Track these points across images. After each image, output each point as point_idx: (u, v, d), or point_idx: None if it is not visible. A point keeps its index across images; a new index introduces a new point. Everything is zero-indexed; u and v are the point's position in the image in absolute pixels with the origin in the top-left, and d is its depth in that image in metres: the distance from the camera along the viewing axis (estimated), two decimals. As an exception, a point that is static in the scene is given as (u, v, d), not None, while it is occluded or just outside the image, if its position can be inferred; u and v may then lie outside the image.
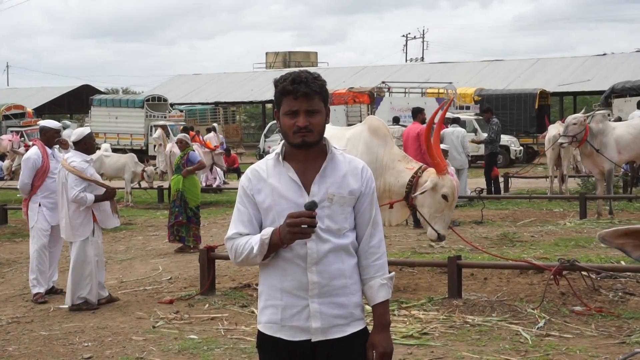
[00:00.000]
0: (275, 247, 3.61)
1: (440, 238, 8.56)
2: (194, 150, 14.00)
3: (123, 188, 21.28)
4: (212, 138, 26.64)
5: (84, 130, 9.59)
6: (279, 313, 3.70)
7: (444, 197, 8.40)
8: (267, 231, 3.61)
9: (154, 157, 31.88)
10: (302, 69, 3.92)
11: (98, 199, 9.28)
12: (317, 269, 3.65)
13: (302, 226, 3.49)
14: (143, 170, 20.95)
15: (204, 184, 24.21)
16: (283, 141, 3.80)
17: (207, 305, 9.18)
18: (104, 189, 9.41)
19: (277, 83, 3.73)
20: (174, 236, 13.34)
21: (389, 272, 3.83)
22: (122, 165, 21.09)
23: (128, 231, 16.18)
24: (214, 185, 24.46)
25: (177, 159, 14.06)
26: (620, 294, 8.80)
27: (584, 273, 8.94)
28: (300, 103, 3.64)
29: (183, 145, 14.02)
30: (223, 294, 9.66)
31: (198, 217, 13.50)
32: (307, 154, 3.72)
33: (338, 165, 3.76)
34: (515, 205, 18.26)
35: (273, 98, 3.81)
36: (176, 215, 13.27)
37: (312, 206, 3.52)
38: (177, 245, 13.44)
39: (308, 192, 3.68)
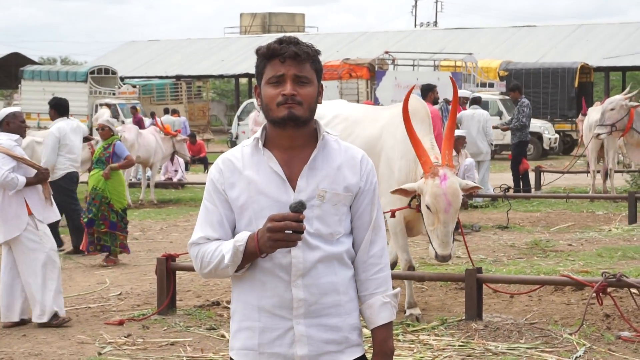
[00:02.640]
0: (251, 256, 3.63)
1: (437, 258, 8.42)
2: (120, 140, 13.77)
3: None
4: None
5: (5, 110, 9.85)
6: (256, 337, 3.72)
7: (427, 207, 8.32)
8: (242, 236, 3.62)
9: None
10: (286, 34, 3.94)
11: (30, 182, 9.42)
12: (304, 283, 3.68)
13: (286, 232, 3.51)
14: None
15: (162, 178, 24.25)
16: (264, 124, 3.82)
17: (165, 327, 9.19)
18: (35, 171, 9.55)
19: (259, 48, 3.77)
20: (94, 246, 13.10)
21: (393, 288, 3.85)
22: None
23: (67, 235, 16.14)
24: (175, 179, 24.48)
25: (98, 149, 13.76)
26: (677, 316, 8.86)
27: (633, 290, 8.98)
28: (288, 67, 3.68)
29: (106, 133, 13.68)
30: (186, 313, 9.67)
31: (126, 223, 13.29)
32: (294, 138, 3.74)
33: (331, 154, 3.79)
34: (549, 206, 18.32)
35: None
36: (90, 220, 12.92)
37: (298, 207, 3.53)
38: (99, 255, 13.29)
39: (294, 187, 3.71)
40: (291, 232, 3.50)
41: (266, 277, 3.69)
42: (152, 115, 32.31)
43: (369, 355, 3.80)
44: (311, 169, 3.73)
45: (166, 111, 32.52)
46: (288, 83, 3.68)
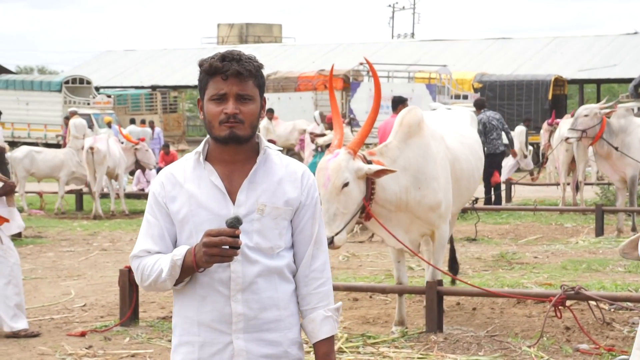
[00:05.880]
0: (189, 271, 3.65)
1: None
2: None
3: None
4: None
5: None
6: (195, 352, 3.75)
7: None
8: (180, 250, 3.64)
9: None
10: (230, 49, 3.94)
11: None
12: (244, 298, 3.69)
13: (223, 247, 3.53)
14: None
15: (134, 188, 24.19)
16: (206, 138, 3.83)
17: (127, 338, 9.18)
18: (2, 183, 9.56)
19: (202, 62, 3.77)
20: None
21: (336, 302, 3.88)
22: (59, 163, 21.23)
23: (36, 246, 16.12)
24: (147, 190, 24.39)
25: None
26: (636, 329, 8.91)
27: (592, 303, 9.04)
28: (230, 85, 3.69)
29: None
30: (148, 325, 9.67)
31: None
32: (235, 153, 3.76)
33: (272, 168, 3.80)
34: (518, 218, 18.40)
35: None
36: None
37: (234, 223, 3.54)
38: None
39: (234, 201, 3.72)
40: (227, 247, 3.52)
41: (206, 292, 3.71)
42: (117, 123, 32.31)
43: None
44: (251, 183, 3.75)
45: (132, 121, 32.50)
46: (230, 102, 3.69)
